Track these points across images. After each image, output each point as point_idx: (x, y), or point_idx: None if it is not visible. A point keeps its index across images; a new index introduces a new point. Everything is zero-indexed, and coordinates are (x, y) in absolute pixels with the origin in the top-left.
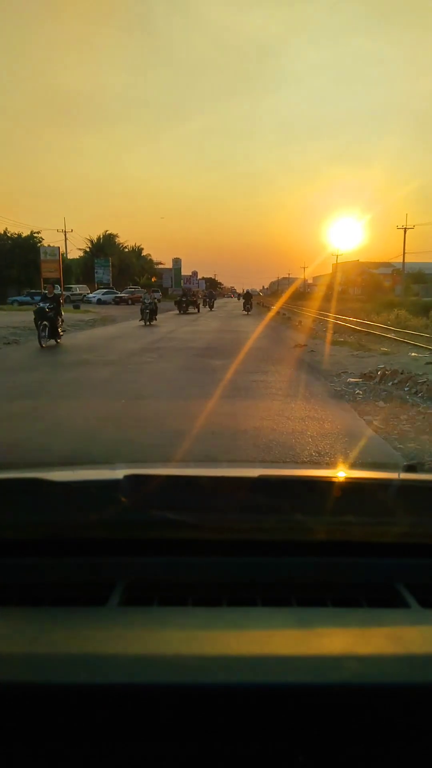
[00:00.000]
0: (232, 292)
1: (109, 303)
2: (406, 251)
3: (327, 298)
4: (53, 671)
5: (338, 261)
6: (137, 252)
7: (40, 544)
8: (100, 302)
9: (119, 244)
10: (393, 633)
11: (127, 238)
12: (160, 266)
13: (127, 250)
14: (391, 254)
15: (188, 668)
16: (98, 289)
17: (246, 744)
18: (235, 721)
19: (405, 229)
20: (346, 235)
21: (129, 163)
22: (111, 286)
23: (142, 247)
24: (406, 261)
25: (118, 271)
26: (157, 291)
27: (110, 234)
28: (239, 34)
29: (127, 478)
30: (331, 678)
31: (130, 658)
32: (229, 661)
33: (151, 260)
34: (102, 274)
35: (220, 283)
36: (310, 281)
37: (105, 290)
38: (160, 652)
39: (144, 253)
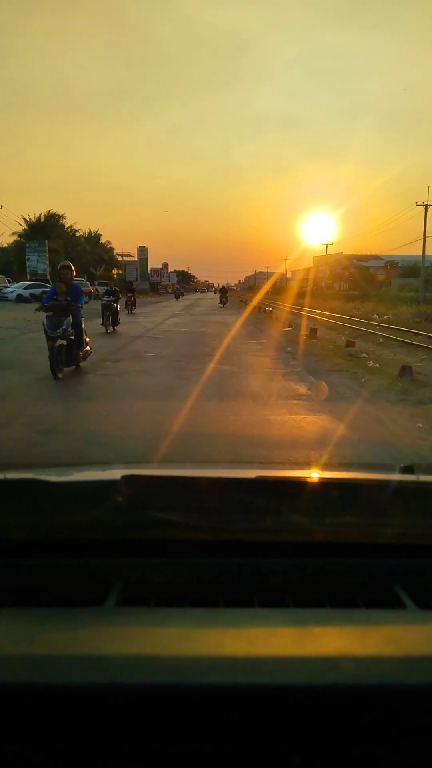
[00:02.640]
0: (207, 287)
1: (30, 300)
2: (398, 244)
3: (313, 294)
4: (51, 672)
5: (319, 254)
6: (94, 239)
7: (38, 545)
8: (20, 299)
9: (67, 227)
10: (390, 634)
11: (77, 221)
12: (128, 258)
13: (79, 234)
14: (375, 248)
15: (185, 669)
16: (30, 280)
17: (242, 745)
18: (231, 722)
19: (426, 206)
20: (326, 228)
21: (100, 155)
22: (47, 277)
23: (100, 233)
24: (396, 254)
25: (65, 260)
26: None
27: (54, 214)
28: (213, 26)
29: (125, 478)
30: (328, 679)
31: (127, 658)
32: (226, 662)
33: (111, 249)
34: (36, 261)
35: (193, 277)
36: (289, 276)
37: (30, 283)
38: (157, 652)
39: (103, 240)
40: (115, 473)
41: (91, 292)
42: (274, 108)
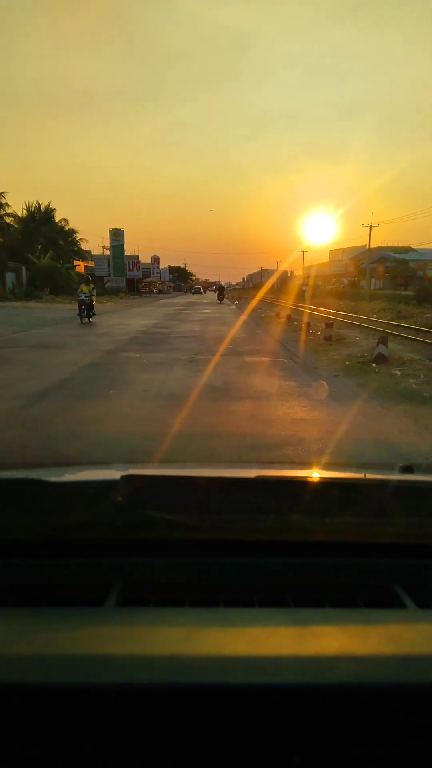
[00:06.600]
0: (206, 286)
1: None
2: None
3: (348, 296)
4: (51, 672)
5: (335, 248)
6: (42, 216)
7: (38, 545)
8: None
9: None
10: (390, 633)
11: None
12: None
13: (4, 202)
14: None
15: (185, 668)
16: None
17: (242, 744)
18: (231, 722)
19: None
20: (332, 224)
21: (100, 152)
22: None
23: (53, 208)
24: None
25: None
26: None
27: None
28: (213, 24)
29: (125, 478)
30: (328, 678)
31: (128, 658)
32: (226, 662)
33: (71, 231)
34: None
35: (191, 274)
36: (298, 273)
37: None
38: (157, 652)
39: (59, 219)
40: (115, 473)
41: None
42: (275, 106)
